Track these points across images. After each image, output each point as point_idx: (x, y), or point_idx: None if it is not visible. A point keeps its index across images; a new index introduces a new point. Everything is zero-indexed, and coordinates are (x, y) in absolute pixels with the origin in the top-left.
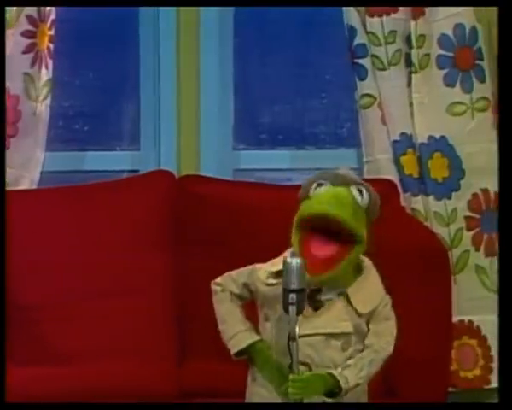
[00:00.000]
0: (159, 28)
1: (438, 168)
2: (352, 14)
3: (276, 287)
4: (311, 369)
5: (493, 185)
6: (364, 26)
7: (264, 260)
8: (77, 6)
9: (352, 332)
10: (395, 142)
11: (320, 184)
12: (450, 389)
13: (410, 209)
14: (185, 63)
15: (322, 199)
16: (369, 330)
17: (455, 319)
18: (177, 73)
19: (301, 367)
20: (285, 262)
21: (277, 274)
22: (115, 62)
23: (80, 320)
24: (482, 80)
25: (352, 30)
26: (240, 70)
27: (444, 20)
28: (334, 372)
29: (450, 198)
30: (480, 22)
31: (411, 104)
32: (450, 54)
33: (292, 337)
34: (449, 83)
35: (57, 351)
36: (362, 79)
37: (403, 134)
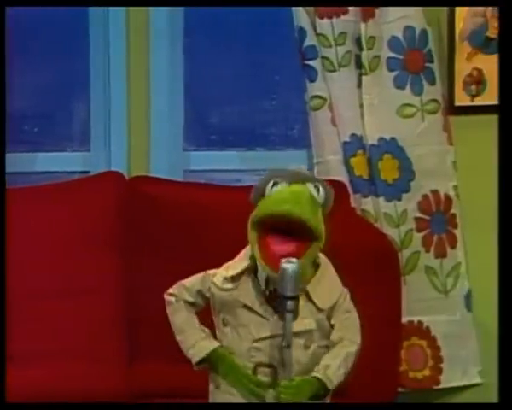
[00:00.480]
0: (108, 28)
1: (388, 170)
2: (301, 16)
3: (234, 291)
4: (276, 370)
5: (443, 187)
6: (314, 27)
7: (215, 260)
8: (77, 6)
9: (315, 329)
10: (345, 143)
11: (276, 183)
12: (400, 390)
13: (360, 210)
14: (135, 64)
15: (282, 198)
16: (331, 326)
17: (404, 319)
18: (127, 74)
19: (266, 370)
20: (280, 268)
21: (233, 279)
22: (65, 63)
23: (30, 321)
24: (432, 83)
25: (302, 31)
26: (190, 71)
27: (394, 22)
28: (318, 375)
29: (400, 199)
30: (430, 25)
31: (361, 106)
32: (400, 56)
33: (288, 344)
34: (399, 85)
35: (7, 351)
36: (312, 81)
37: (353, 135)
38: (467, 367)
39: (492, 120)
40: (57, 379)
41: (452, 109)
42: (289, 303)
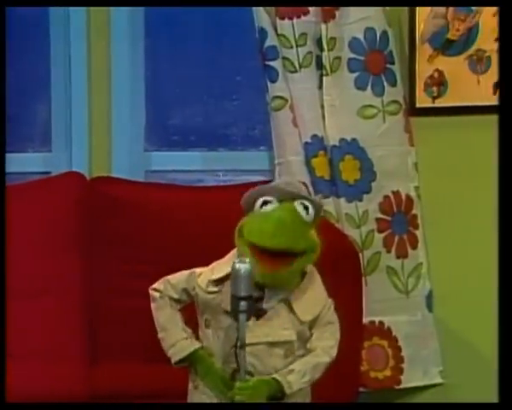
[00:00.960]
0: (69, 29)
1: (349, 171)
2: (262, 16)
3: (218, 295)
4: (253, 377)
5: (404, 188)
6: (275, 28)
7: (177, 260)
8: (77, 6)
9: (295, 340)
10: (306, 144)
11: (266, 202)
12: (361, 389)
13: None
14: (96, 64)
15: (267, 231)
16: (311, 334)
17: (365, 319)
18: (87, 74)
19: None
20: (233, 268)
21: (218, 282)
22: (26, 63)
23: None
24: (393, 84)
25: (263, 32)
26: (151, 71)
27: (354, 23)
28: (279, 377)
29: (361, 200)
30: (391, 26)
31: (322, 107)
32: (361, 57)
33: (241, 345)
34: (360, 86)
35: None
36: (273, 82)
37: (314, 136)
38: (428, 367)
39: (453, 121)
40: (17, 379)
41: (413, 111)
42: (242, 304)
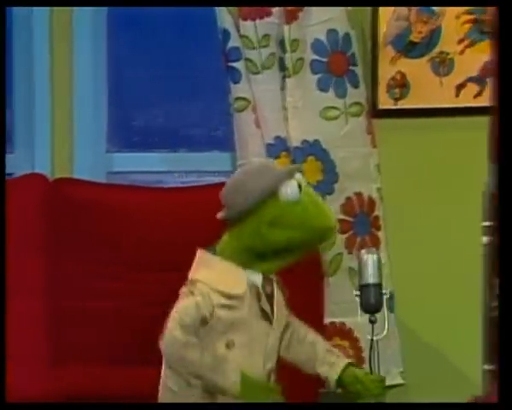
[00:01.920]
0: (32, 30)
1: (311, 172)
2: (225, 17)
3: (242, 308)
4: (275, 373)
5: (367, 189)
6: (238, 29)
7: (138, 261)
8: (77, 6)
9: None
10: (269, 145)
11: (300, 186)
12: (322, 390)
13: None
14: (58, 65)
15: (323, 210)
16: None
17: (327, 320)
18: (50, 76)
19: (273, 374)
20: (361, 259)
21: (235, 296)
22: None
23: None
24: (356, 86)
25: (226, 33)
26: (113, 72)
27: (317, 25)
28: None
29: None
30: (354, 28)
31: (285, 108)
32: (324, 59)
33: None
34: (322, 88)
35: None
36: (236, 83)
37: (277, 138)
38: (389, 368)
39: (416, 123)
40: None
41: (376, 112)
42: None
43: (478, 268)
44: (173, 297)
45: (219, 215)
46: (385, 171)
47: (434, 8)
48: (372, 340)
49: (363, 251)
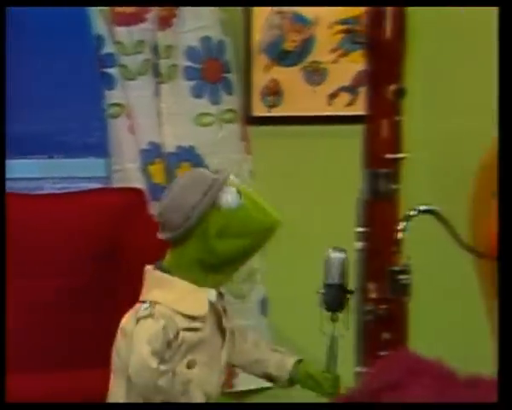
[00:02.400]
0: None
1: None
2: (99, 23)
3: (200, 330)
4: None
5: None
6: (112, 35)
7: (19, 269)
8: (77, 6)
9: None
10: (143, 151)
11: (239, 192)
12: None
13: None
14: None
15: (264, 207)
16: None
17: None
18: None
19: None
20: (328, 258)
21: (197, 318)
22: None
23: None
24: (230, 93)
25: (100, 39)
26: None
27: (191, 32)
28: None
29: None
30: (228, 35)
31: (159, 114)
32: (198, 66)
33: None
34: (196, 94)
35: None
36: (110, 89)
37: (151, 143)
38: None
39: (289, 130)
40: None
41: (250, 119)
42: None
43: (352, 273)
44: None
45: (161, 236)
46: (259, 177)
47: (307, 17)
48: (333, 337)
49: (330, 250)
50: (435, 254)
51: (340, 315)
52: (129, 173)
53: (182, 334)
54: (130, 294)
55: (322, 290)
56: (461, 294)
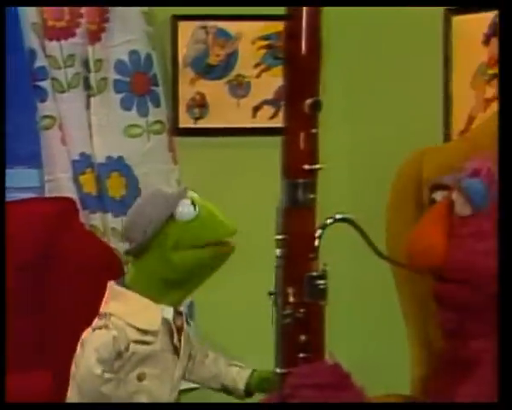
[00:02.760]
0: None
1: (115, 187)
2: (32, 37)
3: (151, 344)
4: None
5: None
6: (44, 49)
7: None
8: (78, 6)
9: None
10: (75, 161)
11: (194, 204)
12: None
13: (89, 226)
14: None
15: (220, 220)
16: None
17: None
18: None
19: None
20: None
21: (149, 332)
22: None
23: None
24: (157, 105)
25: (33, 53)
26: None
27: (120, 46)
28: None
29: (126, 215)
30: (155, 49)
31: (90, 126)
32: (127, 79)
33: None
34: (125, 106)
35: None
36: (42, 101)
37: (82, 154)
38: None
39: (215, 141)
40: None
41: (176, 131)
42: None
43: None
44: None
45: (125, 253)
46: (186, 186)
47: (231, 32)
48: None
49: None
50: (353, 260)
51: None
52: (61, 183)
53: (132, 346)
54: (62, 300)
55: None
56: (378, 298)
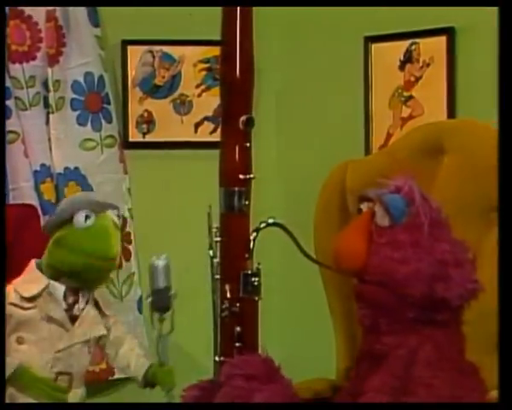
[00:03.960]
0: None
1: (72, 195)
2: None
3: (34, 309)
4: (72, 378)
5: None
6: (8, 71)
7: None
8: (77, 6)
9: (106, 334)
10: (36, 172)
11: (88, 217)
12: None
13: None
14: None
15: (109, 242)
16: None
17: None
18: None
19: (65, 377)
20: (152, 265)
21: (31, 299)
22: None
23: None
24: (109, 121)
25: None
26: None
27: (76, 68)
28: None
29: None
30: (107, 71)
31: (50, 140)
32: (82, 98)
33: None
34: (81, 122)
35: None
36: (7, 118)
37: (42, 165)
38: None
39: (161, 153)
40: None
41: (127, 144)
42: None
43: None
44: None
45: None
46: (135, 193)
47: (174, 55)
48: (160, 336)
49: (154, 258)
50: (284, 260)
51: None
52: (23, 191)
53: (9, 308)
54: None
55: (150, 297)
56: (307, 295)
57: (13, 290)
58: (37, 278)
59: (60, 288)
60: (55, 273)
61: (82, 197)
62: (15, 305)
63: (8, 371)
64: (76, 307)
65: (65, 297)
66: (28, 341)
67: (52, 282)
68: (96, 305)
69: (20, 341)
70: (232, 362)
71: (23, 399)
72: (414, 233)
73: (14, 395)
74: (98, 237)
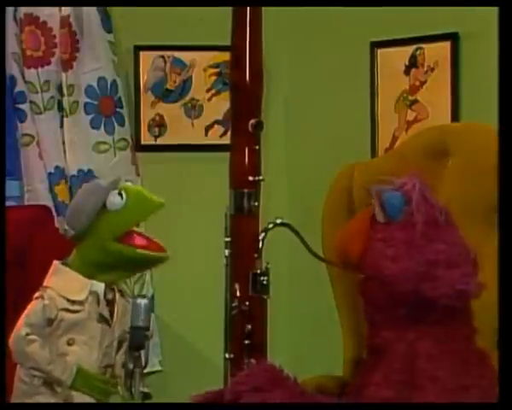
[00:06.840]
0: None
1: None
2: (12, 65)
3: (83, 312)
4: (114, 369)
5: None
6: (23, 75)
7: None
8: (78, 6)
9: None
10: (50, 174)
11: (120, 194)
12: None
13: (63, 230)
14: None
15: (146, 196)
16: None
17: None
18: None
19: (109, 370)
20: (134, 303)
21: (81, 302)
22: None
23: None
24: (122, 125)
25: (13, 79)
26: None
27: (89, 73)
28: None
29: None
30: (120, 76)
31: (64, 143)
32: (95, 102)
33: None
34: (94, 126)
35: None
36: (22, 121)
37: (56, 167)
38: (150, 357)
39: (172, 156)
40: None
41: (139, 147)
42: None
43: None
44: None
45: (67, 236)
46: None
47: (185, 61)
48: (134, 371)
49: (136, 296)
50: (292, 259)
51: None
52: (38, 193)
53: (60, 313)
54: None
55: (127, 334)
56: (314, 292)
57: (57, 295)
58: (76, 280)
59: (100, 285)
60: (99, 270)
61: (94, 185)
62: (66, 310)
63: (65, 375)
64: (113, 301)
65: (104, 295)
66: (78, 341)
67: (92, 281)
68: (121, 294)
69: (70, 342)
70: (237, 380)
71: (78, 399)
72: (409, 231)
73: (69, 395)
74: (141, 202)
